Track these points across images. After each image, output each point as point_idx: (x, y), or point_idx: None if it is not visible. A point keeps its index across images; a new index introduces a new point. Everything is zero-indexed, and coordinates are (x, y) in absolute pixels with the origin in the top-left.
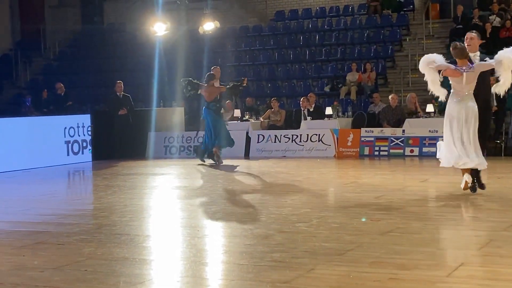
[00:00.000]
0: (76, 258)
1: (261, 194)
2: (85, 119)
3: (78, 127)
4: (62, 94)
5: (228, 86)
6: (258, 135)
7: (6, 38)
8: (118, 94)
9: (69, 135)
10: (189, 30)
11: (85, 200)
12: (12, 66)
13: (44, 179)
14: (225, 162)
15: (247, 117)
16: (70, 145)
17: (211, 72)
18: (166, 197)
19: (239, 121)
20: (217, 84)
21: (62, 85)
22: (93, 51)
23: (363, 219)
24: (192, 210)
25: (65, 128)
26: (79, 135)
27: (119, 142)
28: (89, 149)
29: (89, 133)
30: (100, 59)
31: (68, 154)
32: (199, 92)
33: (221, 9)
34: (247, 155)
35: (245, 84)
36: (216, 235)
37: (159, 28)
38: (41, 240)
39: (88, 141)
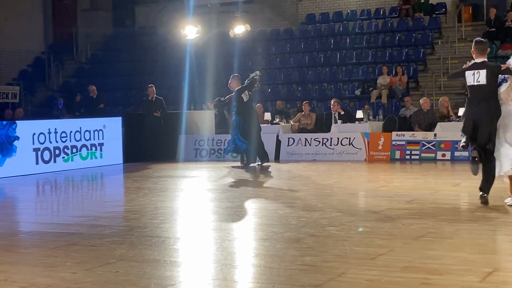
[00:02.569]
0: (107, 260)
1: (291, 198)
2: (117, 122)
3: (108, 129)
4: (94, 96)
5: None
6: (289, 138)
7: (39, 41)
8: (150, 97)
9: (100, 137)
10: (220, 33)
11: (116, 202)
12: (45, 69)
13: (75, 181)
14: (255, 165)
15: (277, 120)
16: (101, 147)
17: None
18: (196, 200)
19: (269, 124)
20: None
21: (94, 87)
22: (124, 54)
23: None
24: (223, 212)
25: (96, 130)
26: (109, 138)
27: (150, 144)
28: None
29: (121, 135)
30: (131, 62)
31: (101, 157)
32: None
33: (252, 12)
34: (277, 159)
35: (256, 76)
36: (247, 238)
37: (190, 31)
38: (73, 241)
39: (118, 144)
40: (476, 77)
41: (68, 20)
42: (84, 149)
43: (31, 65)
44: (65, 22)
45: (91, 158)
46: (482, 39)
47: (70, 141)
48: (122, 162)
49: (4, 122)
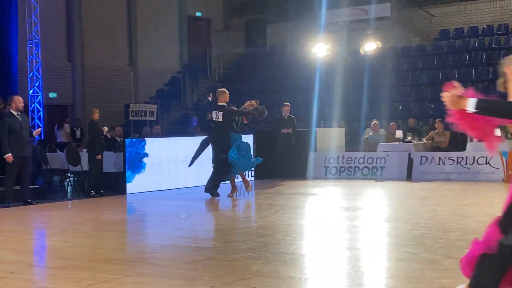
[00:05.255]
0: (244, 275)
1: (425, 218)
2: (248, 139)
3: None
4: None
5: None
6: (421, 156)
7: (175, 61)
8: (283, 115)
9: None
10: (350, 50)
11: (249, 218)
12: (180, 88)
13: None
14: (391, 183)
15: (409, 138)
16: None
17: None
18: (328, 218)
19: (401, 142)
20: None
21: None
22: (255, 73)
23: None
24: (355, 231)
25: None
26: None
27: (281, 161)
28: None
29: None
30: (262, 81)
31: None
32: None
33: (383, 29)
34: (409, 177)
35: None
36: (381, 258)
37: (320, 49)
38: (210, 256)
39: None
40: None
41: (202, 40)
42: None
43: (167, 84)
44: (199, 42)
45: None
46: None
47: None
48: (253, 179)
49: (134, 140)
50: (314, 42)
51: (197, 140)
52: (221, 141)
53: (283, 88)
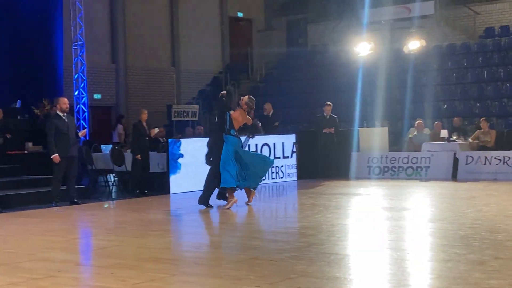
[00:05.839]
0: (288, 275)
1: (472, 219)
2: (291, 139)
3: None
4: (270, 114)
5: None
6: (467, 156)
7: (217, 62)
8: (325, 114)
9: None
10: (393, 49)
11: (292, 218)
12: (222, 88)
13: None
14: (436, 183)
15: (454, 138)
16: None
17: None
18: (372, 218)
19: (446, 142)
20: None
21: (270, 105)
22: (297, 73)
23: None
24: (400, 232)
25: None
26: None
27: (323, 161)
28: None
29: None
30: (304, 81)
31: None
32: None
33: (427, 27)
34: (454, 177)
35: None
36: (427, 259)
37: (362, 48)
38: (254, 255)
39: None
40: None
41: (244, 41)
42: None
43: (209, 85)
44: (241, 43)
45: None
46: None
47: None
48: (296, 179)
49: (169, 140)
50: (356, 41)
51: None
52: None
53: (325, 87)
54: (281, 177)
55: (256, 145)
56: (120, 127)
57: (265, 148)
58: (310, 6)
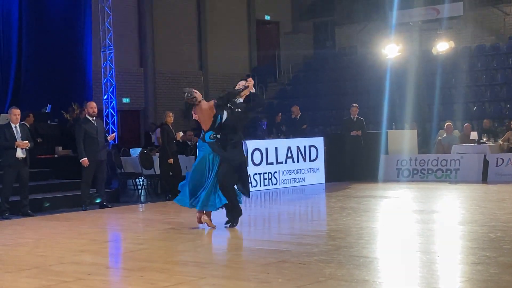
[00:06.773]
0: (317, 278)
1: (503, 222)
2: (319, 142)
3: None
4: (297, 117)
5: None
6: (497, 158)
7: (244, 64)
8: (352, 116)
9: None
10: (421, 51)
11: (320, 221)
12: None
13: (281, 199)
14: (466, 186)
15: (484, 139)
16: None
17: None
18: (401, 221)
19: (476, 144)
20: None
21: (298, 108)
22: (325, 75)
23: None
24: (430, 234)
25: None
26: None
27: (351, 164)
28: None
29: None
30: (332, 83)
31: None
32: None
33: (456, 28)
34: (484, 180)
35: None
36: (457, 262)
37: (390, 50)
38: (283, 258)
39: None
40: None
41: (271, 43)
42: None
43: None
44: (268, 45)
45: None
46: None
47: None
48: (324, 182)
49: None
50: (384, 43)
51: (265, 143)
52: None
53: (352, 90)
54: (305, 180)
55: (289, 147)
56: (158, 131)
57: (294, 150)
58: (337, 8)
